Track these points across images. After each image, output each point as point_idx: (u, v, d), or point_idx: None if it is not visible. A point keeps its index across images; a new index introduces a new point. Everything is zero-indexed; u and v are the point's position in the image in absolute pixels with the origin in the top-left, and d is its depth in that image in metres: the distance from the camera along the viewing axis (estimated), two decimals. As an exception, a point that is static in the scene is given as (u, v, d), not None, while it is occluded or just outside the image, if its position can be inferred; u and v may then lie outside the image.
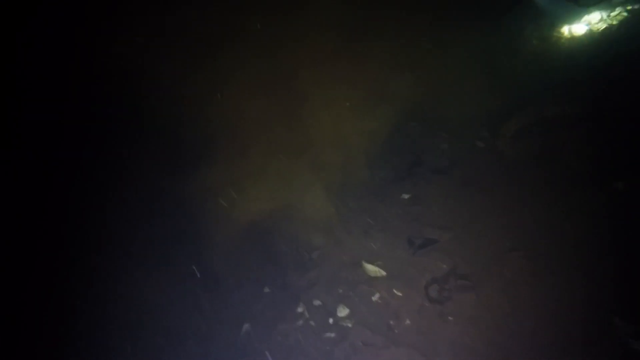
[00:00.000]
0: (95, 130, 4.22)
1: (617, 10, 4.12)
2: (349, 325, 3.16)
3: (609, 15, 4.20)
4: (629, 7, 4.06)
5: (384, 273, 3.36)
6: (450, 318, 2.98)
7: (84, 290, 3.62)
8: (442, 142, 4.21)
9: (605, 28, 4.16)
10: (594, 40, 4.22)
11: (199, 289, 3.63)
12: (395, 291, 3.24)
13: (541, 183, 3.71)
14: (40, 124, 4.10)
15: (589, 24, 4.25)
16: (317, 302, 3.37)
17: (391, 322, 3.08)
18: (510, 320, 2.85)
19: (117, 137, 4.24)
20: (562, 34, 4.31)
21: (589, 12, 4.29)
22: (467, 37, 4.08)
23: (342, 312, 3.23)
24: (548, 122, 3.77)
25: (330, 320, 3.22)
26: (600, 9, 4.21)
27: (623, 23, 4.11)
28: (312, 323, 3.25)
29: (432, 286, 3.19)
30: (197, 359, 3.22)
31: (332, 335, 3.14)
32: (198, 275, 3.69)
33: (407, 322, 3.06)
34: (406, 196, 3.95)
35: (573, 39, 4.27)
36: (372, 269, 3.39)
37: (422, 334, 2.96)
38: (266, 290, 3.56)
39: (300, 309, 3.36)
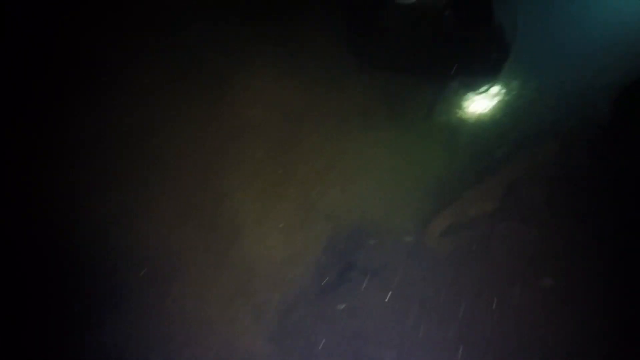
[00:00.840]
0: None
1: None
2: None
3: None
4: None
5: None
6: None
7: None
8: (371, 242, 4.09)
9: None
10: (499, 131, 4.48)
11: None
12: None
13: (473, 280, 3.78)
14: None
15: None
16: None
17: None
18: None
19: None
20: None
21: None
22: (392, 140, 4.10)
23: None
24: (473, 219, 3.84)
25: None
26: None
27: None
28: None
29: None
30: None
31: None
32: None
33: None
34: (342, 306, 3.74)
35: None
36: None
37: None
38: None
39: None
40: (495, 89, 4.14)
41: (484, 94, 4.21)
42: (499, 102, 4.26)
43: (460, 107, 4.23)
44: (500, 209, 3.78)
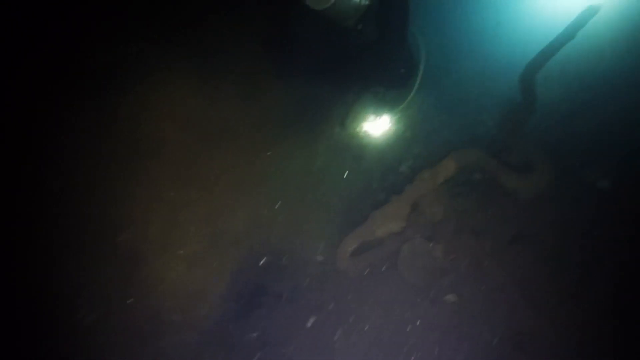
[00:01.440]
0: None
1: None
2: None
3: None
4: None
5: None
6: None
7: None
8: (282, 265, 4.06)
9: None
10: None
11: None
12: None
13: (384, 298, 3.81)
14: None
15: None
16: None
17: None
18: None
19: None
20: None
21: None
22: (302, 158, 4.08)
23: None
24: (382, 239, 3.88)
25: None
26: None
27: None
28: None
29: None
30: None
31: None
32: None
33: None
34: (254, 335, 3.69)
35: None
36: None
37: None
38: None
39: None
40: (400, 105, 4.22)
41: (389, 110, 4.28)
42: (403, 118, 4.38)
43: (367, 122, 4.29)
44: (407, 227, 3.84)
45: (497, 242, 3.57)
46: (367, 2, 3.60)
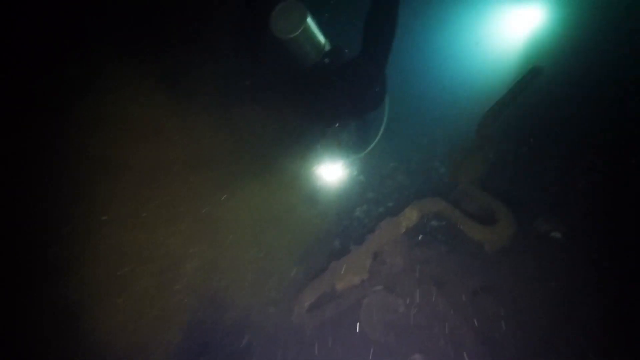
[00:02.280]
0: None
1: None
2: None
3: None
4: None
5: None
6: None
7: None
8: (231, 315, 3.67)
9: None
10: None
11: None
12: None
13: (345, 357, 3.51)
14: None
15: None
16: None
17: None
18: None
19: None
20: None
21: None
22: (259, 202, 3.84)
23: None
24: (341, 292, 3.64)
25: None
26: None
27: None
28: None
29: None
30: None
31: None
32: None
33: None
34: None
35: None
36: None
37: None
38: None
39: None
40: (362, 151, 4.19)
41: (350, 155, 4.23)
42: (357, 162, 4.37)
43: (323, 165, 4.18)
44: (368, 280, 3.65)
45: (460, 295, 3.47)
46: (329, 46, 3.64)
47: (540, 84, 3.96)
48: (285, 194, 4.00)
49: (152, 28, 3.43)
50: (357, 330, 3.49)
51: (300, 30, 3.36)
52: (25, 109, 3.04)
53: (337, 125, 3.93)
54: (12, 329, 2.88)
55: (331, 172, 4.24)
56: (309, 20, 3.40)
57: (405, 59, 4.23)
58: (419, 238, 3.82)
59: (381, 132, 4.06)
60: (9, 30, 3.07)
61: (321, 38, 3.59)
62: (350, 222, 4.54)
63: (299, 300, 3.65)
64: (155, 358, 3.30)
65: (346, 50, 3.74)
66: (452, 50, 4.91)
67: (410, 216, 3.64)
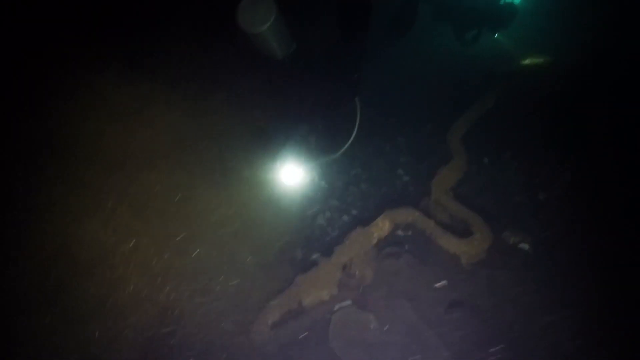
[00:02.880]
0: None
1: None
2: None
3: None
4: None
5: None
6: None
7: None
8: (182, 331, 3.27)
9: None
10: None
11: None
12: None
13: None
14: None
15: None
16: None
17: None
18: None
19: None
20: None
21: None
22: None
23: None
24: (308, 307, 3.36)
25: None
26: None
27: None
28: None
29: None
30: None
31: None
32: None
33: None
34: None
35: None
36: None
37: None
38: None
39: None
40: (330, 155, 3.99)
41: (316, 159, 4.03)
42: (319, 167, 4.16)
43: (285, 170, 3.93)
44: (337, 295, 3.40)
45: (434, 309, 3.33)
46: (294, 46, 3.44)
47: (507, 93, 3.97)
48: (246, 199, 3.67)
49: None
50: (327, 349, 3.22)
51: (266, 27, 3.11)
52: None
53: (305, 125, 3.71)
54: None
55: (292, 176, 3.98)
56: (276, 17, 3.15)
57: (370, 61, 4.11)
58: (388, 250, 3.65)
59: (354, 135, 3.89)
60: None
61: (288, 37, 3.36)
62: (312, 230, 4.28)
63: (261, 318, 3.31)
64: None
65: (316, 50, 3.53)
66: (422, 54, 4.86)
67: (383, 226, 3.45)
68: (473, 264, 3.22)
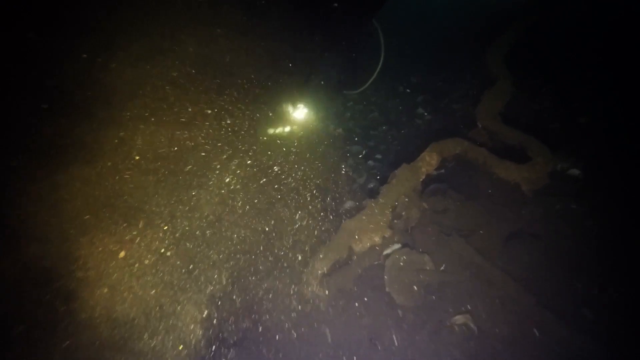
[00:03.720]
0: None
1: None
2: None
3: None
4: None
5: None
6: None
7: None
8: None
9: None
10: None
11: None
12: None
13: (373, 330, 3.00)
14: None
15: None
16: None
17: None
18: None
19: None
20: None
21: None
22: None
23: None
24: (359, 253, 3.09)
25: None
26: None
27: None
28: None
29: None
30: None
31: None
32: None
33: None
34: None
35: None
36: None
37: None
38: None
39: None
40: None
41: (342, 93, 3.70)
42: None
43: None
44: (388, 238, 3.14)
45: (490, 242, 3.11)
46: None
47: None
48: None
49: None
50: (384, 295, 2.99)
51: None
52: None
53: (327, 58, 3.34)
54: None
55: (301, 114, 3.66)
56: None
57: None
58: (432, 187, 3.39)
59: (378, 69, 3.55)
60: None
61: None
62: (339, 178, 3.97)
63: (310, 270, 3.04)
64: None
65: None
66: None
67: (430, 160, 3.17)
68: (535, 191, 2.98)
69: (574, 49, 3.69)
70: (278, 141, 3.62)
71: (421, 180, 3.20)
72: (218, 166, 3.14)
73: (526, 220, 3.10)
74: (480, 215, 3.21)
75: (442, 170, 3.50)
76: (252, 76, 3.14)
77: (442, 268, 3.05)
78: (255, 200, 3.24)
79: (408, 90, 4.85)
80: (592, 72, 3.71)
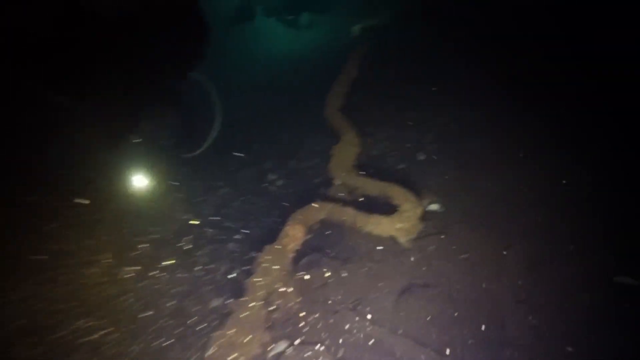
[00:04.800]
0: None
1: None
2: None
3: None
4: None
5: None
6: None
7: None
8: None
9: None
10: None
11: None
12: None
13: None
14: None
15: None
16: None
17: None
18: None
19: None
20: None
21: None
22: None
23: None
24: None
25: None
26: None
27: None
28: None
29: None
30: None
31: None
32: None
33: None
34: None
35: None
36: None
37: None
38: None
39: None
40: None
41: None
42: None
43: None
44: (268, 339, 2.55)
45: (382, 307, 2.75)
46: None
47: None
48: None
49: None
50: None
51: None
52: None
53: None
54: None
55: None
56: None
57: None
58: (306, 260, 2.95)
59: (216, 129, 3.19)
60: None
61: None
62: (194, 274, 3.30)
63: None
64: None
65: None
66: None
67: (296, 234, 2.73)
68: (413, 240, 2.74)
69: (401, 88, 3.78)
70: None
71: (291, 258, 2.72)
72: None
73: (411, 273, 2.84)
74: (364, 280, 2.86)
75: (312, 240, 3.11)
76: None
77: (339, 355, 2.57)
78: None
79: (253, 157, 4.48)
80: (415, 112, 3.81)
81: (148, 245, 3.40)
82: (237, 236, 3.72)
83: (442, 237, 2.98)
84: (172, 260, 3.21)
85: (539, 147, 3.47)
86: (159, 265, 3.26)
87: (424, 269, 2.78)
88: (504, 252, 2.83)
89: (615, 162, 3.13)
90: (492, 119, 3.92)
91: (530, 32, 4.32)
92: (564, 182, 3.08)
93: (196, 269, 3.32)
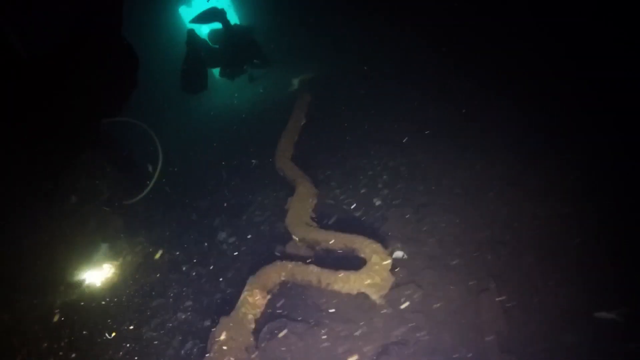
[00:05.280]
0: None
1: None
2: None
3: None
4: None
5: None
6: None
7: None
8: None
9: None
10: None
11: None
12: None
13: None
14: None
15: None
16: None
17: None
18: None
19: None
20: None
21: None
22: None
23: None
24: None
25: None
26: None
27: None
28: None
29: None
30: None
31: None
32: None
33: None
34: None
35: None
36: None
37: None
38: None
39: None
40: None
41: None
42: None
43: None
44: None
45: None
46: None
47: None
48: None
49: None
50: None
51: None
52: None
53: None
54: None
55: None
56: None
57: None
58: (266, 328, 2.62)
59: (156, 175, 3.00)
60: None
61: None
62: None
63: None
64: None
65: None
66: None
67: (255, 301, 2.42)
68: (384, 296, 2.51)
69: (345, 135, 3.71)
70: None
71: (252, 328, 2.40)
72: None
73: (386, 332, 2.59)
74: (335, 345, 2.55)
75: (273, 306, 2.79)
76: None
77: None
78: None
79: (201, 214, 4.17)
80: (364, 158, 3.71)
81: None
82: (187, 302, 3.34)
83: (412, 286, 2.78)
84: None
85: (496, 182, 3.44)
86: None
87: (398, 325, 2.55)
88: (478, 297, 2.68)
89: (583, 195, 3.11)
90: (438, 160, 3.91)
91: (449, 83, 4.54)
92: (530, 214, 3.03)
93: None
